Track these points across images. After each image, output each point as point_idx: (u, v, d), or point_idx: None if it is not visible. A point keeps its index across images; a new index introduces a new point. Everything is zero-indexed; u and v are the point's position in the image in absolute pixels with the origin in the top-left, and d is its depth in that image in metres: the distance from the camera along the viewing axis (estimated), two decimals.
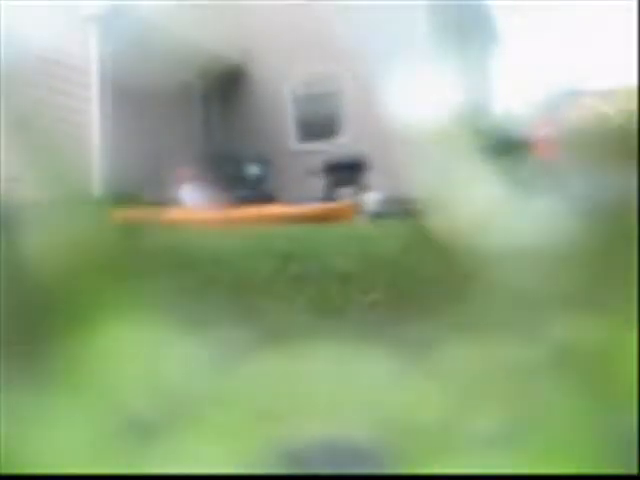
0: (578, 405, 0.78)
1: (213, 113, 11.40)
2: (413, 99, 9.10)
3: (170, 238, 4.14)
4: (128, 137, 9.17)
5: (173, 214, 6.85)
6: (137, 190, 8.77)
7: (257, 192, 10.05)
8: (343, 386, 0.86)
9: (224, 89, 11.66)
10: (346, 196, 8.85)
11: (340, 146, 10.71)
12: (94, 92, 8.96)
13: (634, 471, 0.87)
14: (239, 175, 10.29)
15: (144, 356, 0.80)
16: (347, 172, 9.24)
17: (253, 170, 10.56)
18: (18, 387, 0.74)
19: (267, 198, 9.58)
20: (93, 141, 8.95)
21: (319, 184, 9.26)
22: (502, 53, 17.27)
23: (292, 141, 11.46)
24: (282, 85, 11.35)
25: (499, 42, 16.71)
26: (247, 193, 9.60)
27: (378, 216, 8.10)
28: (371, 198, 9.03)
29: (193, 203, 7.32)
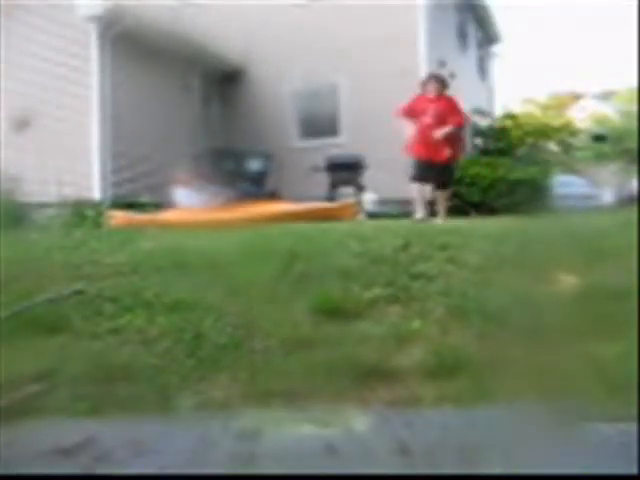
0: None
1: (213, 113, 11.39)
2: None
3: (168, 240, 4.11)
4: (128, 137, 9.16)
5: (172, 216, 6.81)
6: (137, 192, 8.77)
7: (260, 188, 9.96)
8: None
9: (224, 89, 11.65)
10: (347, 195, 8.80)
11: (339, 145, 10.68)
12: (94, 92, 8.96)
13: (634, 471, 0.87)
14: (241, 170, 10.20)
15: None
16: (347, 171, 9.17)
17: (255, 165, 10.46)
18: None
19: (270, 194, 9.48)
20: (93, 142, 8.94)
21: (320, 181, 9.20)
22: (502, 53, 17.24)
23: (293, 138, 11.43)
24: (282, 85, 11.33)
25: (499, 42, 16.72)
26: (250, 189, 9.50)
27: (374, 216, 8.06)
28: (367, 198, 8.99)
29: (191, 205, 7.25)
